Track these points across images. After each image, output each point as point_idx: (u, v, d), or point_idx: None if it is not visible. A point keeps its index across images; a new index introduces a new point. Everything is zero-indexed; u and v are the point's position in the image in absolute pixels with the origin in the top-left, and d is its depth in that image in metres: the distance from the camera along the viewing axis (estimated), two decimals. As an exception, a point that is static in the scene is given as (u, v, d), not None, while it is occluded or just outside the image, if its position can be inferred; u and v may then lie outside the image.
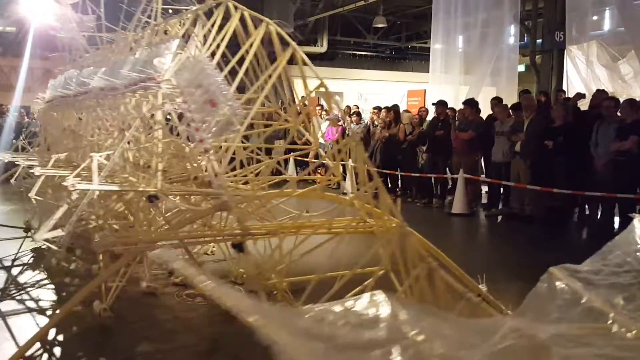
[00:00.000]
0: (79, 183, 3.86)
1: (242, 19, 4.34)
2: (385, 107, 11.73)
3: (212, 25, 4.29)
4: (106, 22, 5.68)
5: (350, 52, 25.98)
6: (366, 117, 12.89)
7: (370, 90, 21.78)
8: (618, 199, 7.26)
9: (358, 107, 13.49)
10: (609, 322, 2.19)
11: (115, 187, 4.01)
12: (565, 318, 2.29)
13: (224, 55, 4.23)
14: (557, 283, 2.75)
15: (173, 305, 4.82)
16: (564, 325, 2.12)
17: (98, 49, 6.05)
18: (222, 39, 4.21)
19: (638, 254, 3.06)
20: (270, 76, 4.30)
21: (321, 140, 12.97)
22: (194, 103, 3.58)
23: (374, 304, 1.61)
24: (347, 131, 12.47)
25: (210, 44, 4.21)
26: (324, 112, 14.02)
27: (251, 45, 4.27)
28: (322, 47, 22.30)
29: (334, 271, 4.04)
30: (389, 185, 11.71)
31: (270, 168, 5.13)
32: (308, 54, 20.60)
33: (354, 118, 12.33)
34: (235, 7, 4.27)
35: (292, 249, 3.98)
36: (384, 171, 11.07)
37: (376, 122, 11.78)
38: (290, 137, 5.47)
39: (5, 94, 16.92)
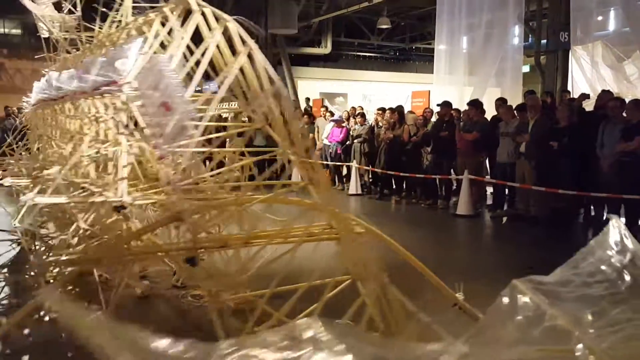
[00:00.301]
0: (36, 197, 3.74)
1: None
2: (389, 108, 11.73)
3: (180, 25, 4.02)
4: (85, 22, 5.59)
5: (354, 53, 25.98)
6: (370, 118, 12.90)
7: (375, 92, 21.80)
8: (624, 200, 7.24)
9: (362, 108, 13.48)
10: (573, 342, 2.05)
11: (63, 199, 3.80)
12: (525, 339, 2.12)
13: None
14: (520, 297, 2.50)
15: (181, 305, 4.83)
16: (522, 349, 1.98)
17: (78, 50, 5.96)
18: (183, 39, 3.94)
19: (613, 259, 2.84)
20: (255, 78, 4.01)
21: (326, 142, 13.05)
22: (150, 107, 3.39)
23: (302, 332, 1.44)
24: (350, 132, 12.51)
25: (172, 44, 3.96)
26: (328, 114, 14.06)
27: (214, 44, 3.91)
28: (326, 49, 22.32)
29: (295, 282, 3.66)
30: (394, 187, 11.72)
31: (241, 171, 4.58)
32: (312, 56, 20.75)
33: (358, 119, 12.33)
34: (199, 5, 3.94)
35: (245, 261, 3.66)
36: (389, 172, 11.08)
37: (380, 124, 11.78)
38: (247, 138, 4.93)
39: (14, 96, 16.97)
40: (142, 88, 3.46)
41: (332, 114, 14.01)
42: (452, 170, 10.14)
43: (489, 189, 10.19)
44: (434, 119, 11.01)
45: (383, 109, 12.25)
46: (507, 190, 9.47)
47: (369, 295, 3.25)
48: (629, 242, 2.95)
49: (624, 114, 7.67)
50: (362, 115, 12.53)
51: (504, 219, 9.25)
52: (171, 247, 3.68)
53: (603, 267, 2.77)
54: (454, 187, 10.49)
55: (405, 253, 3.95)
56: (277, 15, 18.03)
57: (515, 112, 9.20)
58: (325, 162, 13.19)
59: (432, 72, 15.68)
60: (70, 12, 6.05)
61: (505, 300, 2.53)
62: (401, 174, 10.88)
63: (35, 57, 8.49)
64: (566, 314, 2.33)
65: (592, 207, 8.74)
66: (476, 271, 6.21)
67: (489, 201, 10.11)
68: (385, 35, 23.44)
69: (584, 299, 2.54)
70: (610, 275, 2.70)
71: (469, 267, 6.47)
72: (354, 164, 11.94)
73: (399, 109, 11.66)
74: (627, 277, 2.66)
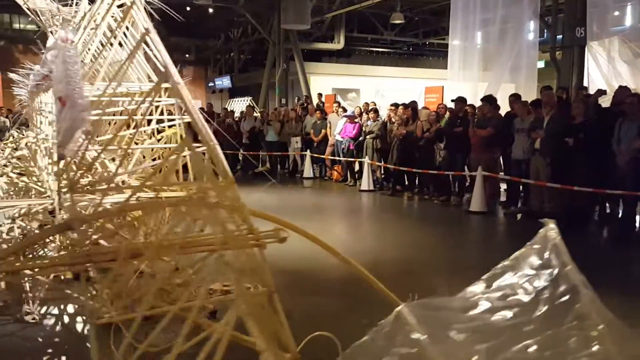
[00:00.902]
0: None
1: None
2: (402, 104, 11.67)
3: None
4: None
5: (367, 48, 25.91)
6: (383, 114, 12.85)
7: (387, 87, 21.70)
8: (640, 197, 7.15)
9: (375, 104, 13.44)
10: None
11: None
12: None
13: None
14: (401, 330, 2.22)
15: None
16: None
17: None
18: (98, 26, 3.74)
19: (533, 278, 2.53)
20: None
21: (338, 137, 13.03)
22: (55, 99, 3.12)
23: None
24: (363, 128, 12.48)
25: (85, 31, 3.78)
26: (340, 109, 14.02)
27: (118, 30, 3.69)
28: (339, 44, 22.27)
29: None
30: (406, 183, 11.67)
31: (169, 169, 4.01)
32: (325, 51, 20.66)
33: (370, 115, 12.29)
34: None
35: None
36: (401, 168, 11.03)
37: (393, 119, 11.73)
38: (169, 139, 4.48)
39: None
40: (54, 79, 3.17)
41: (345, 110, 13.97)
42: (465, 167, 10.07)
43: (503, 186, 10.11)
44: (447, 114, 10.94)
45: (396, 105, 12.20)
46: (521, 187, 9.39)
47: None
48: (558, 255, 2.66)
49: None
50: (375, 111, 12.48)
51: (518, 216, 9.17)
52: (53, 261, 3.12)
53: (519, 289, 2.54)
54: (467, 184, 10.42)
55: (344, 259, 3.42)
56: (289, 11, 18.00)
57: (530, 108, 9.11)
58: (337, 158, 13.17)
59: (446, 68, 15.60)
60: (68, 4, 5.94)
61: (382, 332, 2.28)
62: (414, 170, 10.83)
63: None
64: (448, 356, 2.01)
65: (607, 205, 8.64)
66: (488, 268, 6.16)
67: (503, 198, 10.05)
68: (398, 30, 23.32)
69: (483, 330, 2.22)
70: (524, 299, 2.45)
71: (481, 264, 6.39)
72: (366, 160, 11.91)
73: (413, 105, 11.60)
74: (543, 304, 2.39)
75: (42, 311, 4.37)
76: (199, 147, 3.77)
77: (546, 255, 2.55)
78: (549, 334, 2.10)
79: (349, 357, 2.27)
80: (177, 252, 2.87)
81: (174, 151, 3.19)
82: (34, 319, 4.30)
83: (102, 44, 3.83)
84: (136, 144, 5.01)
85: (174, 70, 3.53)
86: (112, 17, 3.81)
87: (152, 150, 4.90)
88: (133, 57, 3.52)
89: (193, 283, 2.94)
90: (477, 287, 2.58)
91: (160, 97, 4.02)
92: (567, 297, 2.35)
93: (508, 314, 2.33)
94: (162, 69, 3.05)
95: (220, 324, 2.36)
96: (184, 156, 3.76)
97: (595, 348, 1.98)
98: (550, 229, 2.64)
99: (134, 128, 4.44)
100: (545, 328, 2.17)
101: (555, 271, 2.50)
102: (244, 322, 2.33)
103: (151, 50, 3.42)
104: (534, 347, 2.00)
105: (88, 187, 3.38)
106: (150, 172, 3.88)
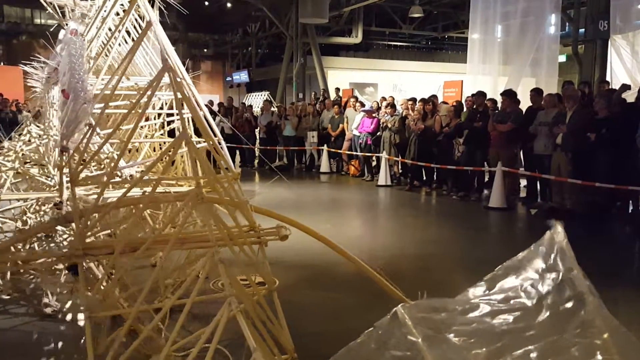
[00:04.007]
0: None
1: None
2: (421, 99, 11.57)
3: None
4: None
5: (385, 42, 25.75)
6: (401, 108, 12.75)
7: (406, 82, 21.56)
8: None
9: (393, 99, 13.34)
10: None
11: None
12: None
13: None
14: (396, 331, 2.13)
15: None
16: None
17: None
18: (104, 23, 3.72)
19: (537, 281, 2.41)
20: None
21: (355, 132, 12.96)
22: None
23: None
24: (381, 123, 12.40)
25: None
26: (358, 104, 13.95)
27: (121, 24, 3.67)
28: (357, 38, 22.14)
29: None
30: (424, 178, 11.58)
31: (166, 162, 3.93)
32: (343, 45, 20.60)
33: (388, 109, 12.20)
34: None
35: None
36: (419, 163, 10.94)
37: (410, 114, 11.63)
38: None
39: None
40: (59, 73, 3.15)
41: (363, 105, 13.89)
42: (485, 162, 9.95)
43: (523, 182, 9.97)
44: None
45: (413, 100, 12.10)
46: (541, 183, 9.25)
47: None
48: (564, 259, 2.52)
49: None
50: (393, 105, 12.39)
51: (538, 212, 9.04)
52: (48, 253, 3.11)
53: (522, 293, 2.42)
54: (487, 179, 10.29)
55: (342, 251, 3.42)
56: (307, 5, 17.94)
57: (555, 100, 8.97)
58: (354, 153, 13.11)
59: (465, 62, 15.43)
60: None
61: (377, 333, 2.20)
62: (432, 165, 10.74)
63: None
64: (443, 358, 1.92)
65: (630, 201, 8.48)
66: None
67: (523, 194, 9.91)
68: (417, 24, 23.13)
69: (483, 333, 2.13)
70: (526, 303, 2.34)
71: (500, 262, 6.32)
72: (383, 155, 11.83)
73: (431, 99, 11.48)
74: (547, 309, 2.28)
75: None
76: (199, 141, 3.74)
77: (552, 258, 2.45)
78: (552, 340, 2.02)
79: (342, 359, 2.21)
80: (175, 247, 2.84)
81: (172, 145, 3.13)
82: (53, 311, 4.33)
83: (107, 38, 3.82)
84: (146, 137, 5.01)
85: (179, 64, 3.51)
86: (121, 7, 3.80)
87: (161, 144, 4.87)
88: (135, 50, 3.49)
89: (187, 279, 2.88)
90: (479, 289, 2.50)
91: (165, 90, 4.00)
92: (571, 304, 2.26)
93: (509, 318, 2.25)
94: (163, 62, 2.98)
95: (211, 325, 2.32)
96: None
97: (599, 357, 1.90)
98: (557, 232, 2.53)
99: (145, 121, 4.45)
100: (547, 334, 2.09)
101: (560, 276, 2.40)
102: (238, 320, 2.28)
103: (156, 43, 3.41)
104: (535, 354, 1.92)
105: (90, 180, 3.34)
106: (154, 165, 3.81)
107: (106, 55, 3.89)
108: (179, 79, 3.09)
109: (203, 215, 2.95)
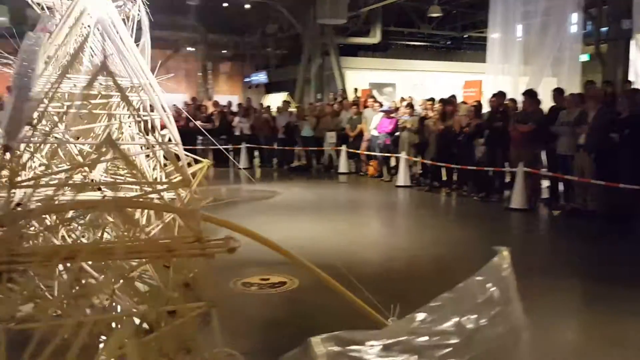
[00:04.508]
0: None
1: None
2: (441, 99, 11.50)
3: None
4: None
5: (404, 42, 25.64)
6: (419, 108, 12.69)
7: (425, 81, 21.43)
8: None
9: (412, 99, 13.28)
10: None
11: None
12: None
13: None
14: None
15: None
16: None
17: None
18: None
19: (471, 314, 2.25)
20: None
21: (374, 132, 12.93)
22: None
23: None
24: (399, 123, 12.34)
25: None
26: (376, 104, 13.91)
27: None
28: (375, 38, 22.07)
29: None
30: (444, 179, 11.51)
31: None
32: (361, 45, 20.56)
33: (407, 110, 12.15)
34: None
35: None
36: (439, 164, 10.88)
37: (429, 114, 11.57)
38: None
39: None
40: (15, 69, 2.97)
41: (381, 105, 13.85)
42: (506, 163, 9.85)
43: (545, 182, 9.85)
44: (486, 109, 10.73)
45: (432, 100, 12.04)
46: (564, 184, 9.13)
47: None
48: (504, 290, 2.34)
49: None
50: (411, 105, 12.33)
51: (560, 213, 8.93)
52: None
53: (453, 327, 2.25)
54: (508, 180, 10.19)
55: (313, 268, 3.16)
56: (326, 5, 17.93)
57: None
58: (373, 153, 13.08)
59: (484, 62, 15.32)
60: None
61: None
62: (452, 165, 10.66)
63: None
64: None
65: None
66: (529, 269, 6.01)
67: (545, 195, 9.79)
68: (436, 23, 22.99)
69: None
70: (455, 340, 2.19)
71: (520, 264, 6.23)
72: (402, 155, 11.78)
73: (451, 100, 11.41)
74: (476, 346, 2.16)
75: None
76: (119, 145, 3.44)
77: (490, 290, 2.32)
78: None
79: None
80: (113, 257, 2.60)
81: (96, 148, 2.98)
82: None
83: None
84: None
85: (142, 65, 3.35)
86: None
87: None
88: (80, 50, 3.34)
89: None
90: (408, 321, 2.37)
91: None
92: (503, 341, 2.17)
93: (436, 353, 2.11)
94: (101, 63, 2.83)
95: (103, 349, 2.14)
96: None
97: None
98: (503, 258, 2.41)
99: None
100: None
101: (497, 310, 2.28)
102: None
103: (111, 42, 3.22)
104: None
105: (28, 182, 3.06)
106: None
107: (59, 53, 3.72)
108: (142, 81, 3.00)
109: (123, 224, 2.76)
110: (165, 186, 3.06)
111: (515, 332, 2.18)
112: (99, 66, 2.90)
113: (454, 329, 2.23)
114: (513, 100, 10.35)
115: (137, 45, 3.80)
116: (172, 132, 3.46)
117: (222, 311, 4.47)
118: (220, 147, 6.45)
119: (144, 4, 3.96)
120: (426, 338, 2.24)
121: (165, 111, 3.38)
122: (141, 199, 3.00)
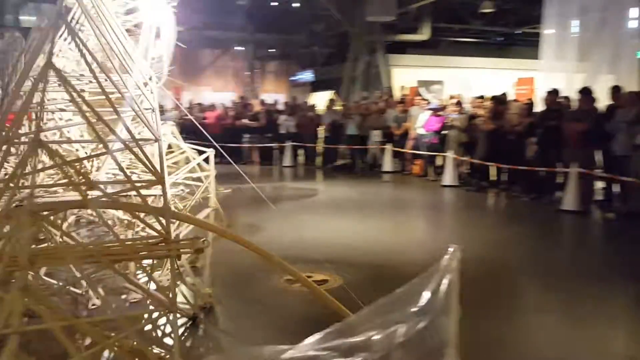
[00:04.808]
0: None
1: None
2: (492, 97, 11.20)
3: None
4: None
5: (453, 39, 25.16)
6: (468, 106, 12.40)
7: (475, 78, 20.95)
8: None
9: (460, 96, 13.00)
10: None
11: None
12: None
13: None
14: None
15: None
16: None
17: None
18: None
19: (401, 325, 2.04)
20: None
21: (421, 131, 12.72)
22: None
23: None
24: (446, 121, 12.10)
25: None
26: (424, 102, 13.68)
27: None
28: (424, 35, 21.75)
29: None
30: (494, 179, 11.19)
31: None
32: (410, 42, 20.25)
33: (455, 107, 11.89)
34: None
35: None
36: (488, 163, 10.59)
37: (478, 112, 11.28)
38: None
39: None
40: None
41: (429, 102, 13.62)
42: (559, 163, 9.49)
43: (600, 184, 9.44)
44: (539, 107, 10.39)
45: (482, 97, 11.75)
46: (620, 186, 8.73)
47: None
48: (442, 297, 2.11)
49: None
50: (460, 103, 12.07)
51: (616, 216, 8.54)
52: None
53: (375, 343, 2.06)
54: (561, 181, 9.81)
55: (292, 270, 3.00)
56: (375, 2, 17.76)
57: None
58: (418, 152, 12.86)
59: (536, 58, 14.85)
60: None
61: None
62: (502, 165, 10.35)
63: None
64: None
65: None
66: (579, 273, 5.76)
67: (600, 196, 9.38)
68: (487, 20, 22.46)
69: None
70: (375, 354, 2.01)
71: (571, 268, 6.01)
72: (449, 154, 11.54)
73: (502, 97, 11.10)
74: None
75: None
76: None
77: (426, 297, 2.11)
78: None
79: None
80: (69, 262, 2.54)
81: (28, 147, 2.78)
82: None
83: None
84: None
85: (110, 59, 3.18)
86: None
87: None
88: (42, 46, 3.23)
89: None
90: (330, 334, 2.16)
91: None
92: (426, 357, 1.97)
93: None
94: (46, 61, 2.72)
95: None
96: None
97: None
98: (453, 258, 2.17)
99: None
100: None
101: (427, 321, 2.05)
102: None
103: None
104: None
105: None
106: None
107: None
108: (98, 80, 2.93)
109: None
110: (128, 185, 2.93)
111: (439, 348, 2.00)
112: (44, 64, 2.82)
113: (376, 344, 2.04)
114: (567, 98, 9.98)
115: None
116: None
117: (265, 306, 4.53)
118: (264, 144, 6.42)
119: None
120: (347, 347, 2.06)
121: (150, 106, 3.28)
122: (110, 200, 2.91)
